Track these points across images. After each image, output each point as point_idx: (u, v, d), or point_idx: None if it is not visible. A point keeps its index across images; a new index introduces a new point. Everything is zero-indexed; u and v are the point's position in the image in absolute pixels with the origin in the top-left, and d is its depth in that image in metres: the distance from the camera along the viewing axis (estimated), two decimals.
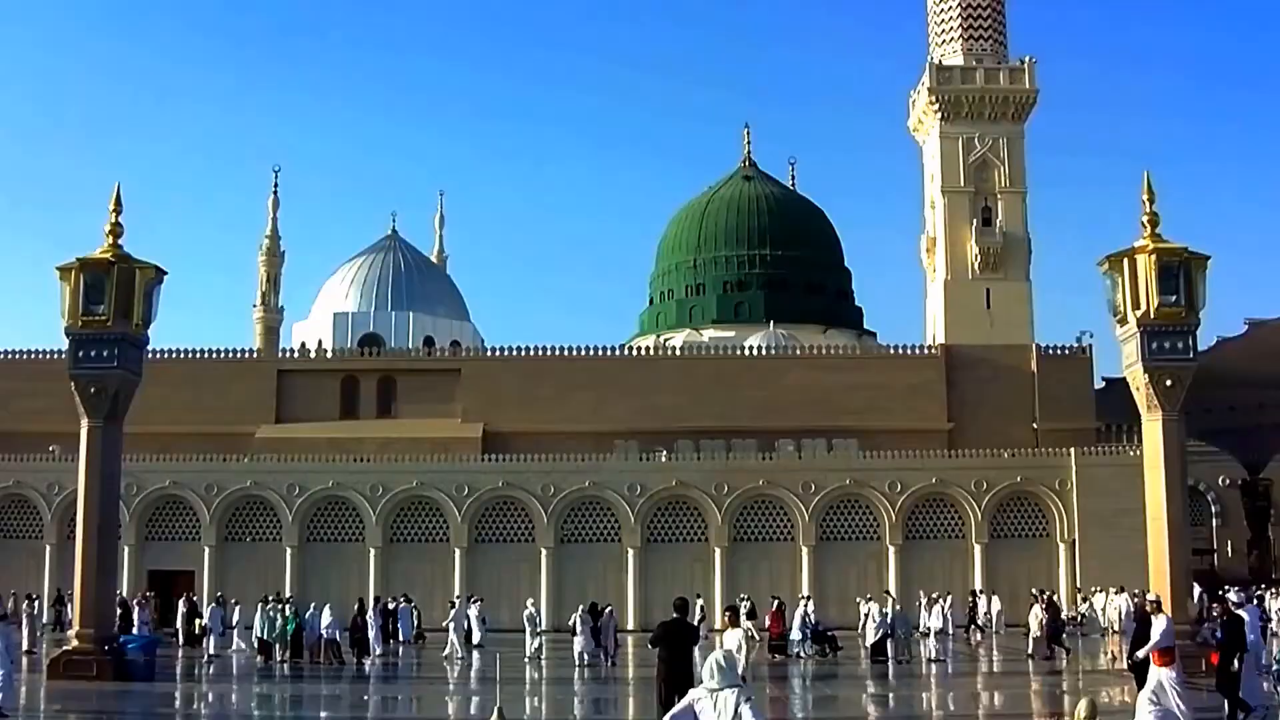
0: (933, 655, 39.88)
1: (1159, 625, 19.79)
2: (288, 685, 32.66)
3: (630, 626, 53.08)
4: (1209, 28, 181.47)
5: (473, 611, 44.52)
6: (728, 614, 19.58)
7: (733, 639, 18.19)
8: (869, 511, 58.96)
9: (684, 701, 12.47)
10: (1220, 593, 37.72)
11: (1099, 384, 67.66)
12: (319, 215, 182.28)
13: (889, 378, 67.52)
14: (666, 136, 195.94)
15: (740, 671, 17.28)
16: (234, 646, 41.95)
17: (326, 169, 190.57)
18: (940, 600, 49.44)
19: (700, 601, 48.00)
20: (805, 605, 43.23)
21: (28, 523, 59.23)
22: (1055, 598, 45.61)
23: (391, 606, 45.55)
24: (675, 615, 18.37)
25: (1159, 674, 18.81)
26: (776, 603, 42.40)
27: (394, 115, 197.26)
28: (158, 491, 58.20)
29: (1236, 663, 20.36)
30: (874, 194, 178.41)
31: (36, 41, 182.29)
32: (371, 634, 40.52)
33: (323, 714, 27.82)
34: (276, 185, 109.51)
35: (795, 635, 41.13)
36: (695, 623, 24.26)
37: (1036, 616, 38.61)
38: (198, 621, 43.30)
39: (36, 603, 47.43)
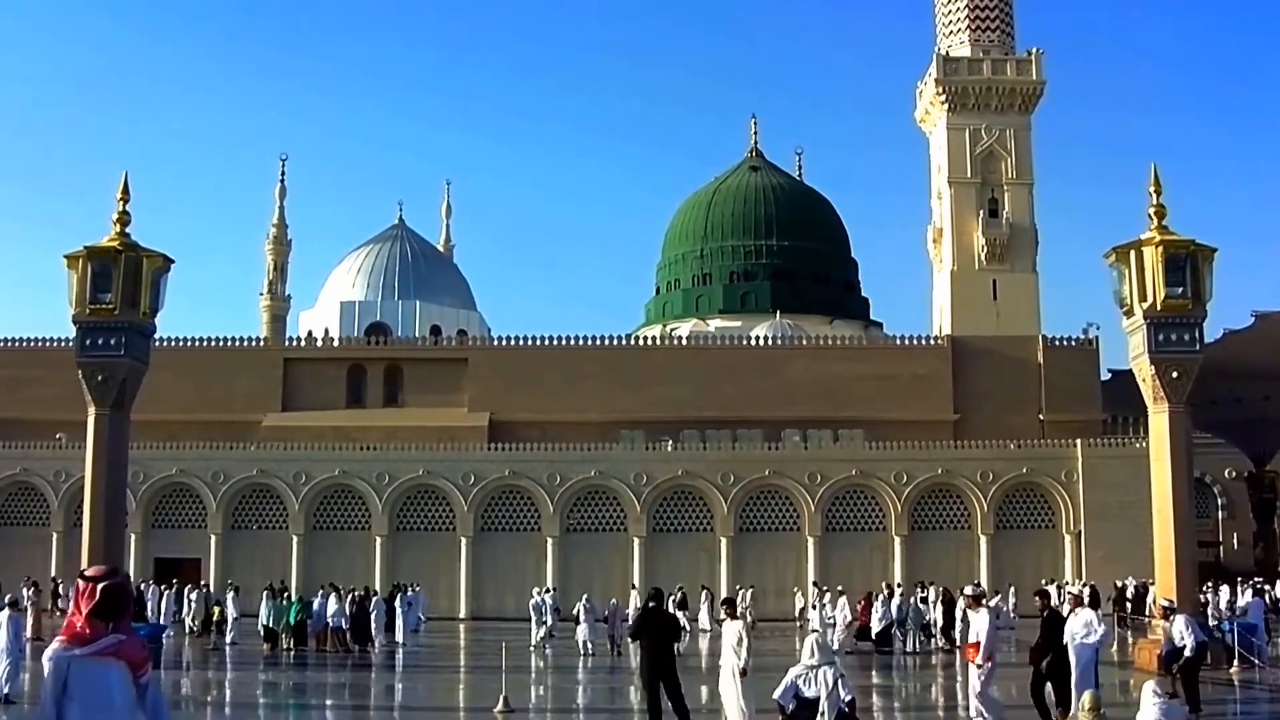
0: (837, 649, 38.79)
1: (980, 621, 18.60)
2: (294, 673, 32.77)
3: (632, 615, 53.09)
4: (1215, 23, 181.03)
5: (548, 600, 43.70)
6: (724, 606, 19.60)
7: (732, 630, 18.24)
8: (875, 502, 58.96)
9: (788, 678, 14.80)
10: (1047, 583, 38.35)
11: (1105, 375, 67.61)
12: (326, 204, 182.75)
13: (895, 368, 67.49)
14: (673, 127, 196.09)
15: (744, 664, 17.45)
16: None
17: (333, 158, 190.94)
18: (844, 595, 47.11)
19: (682, 589, 47.93)
20: (899, 595, 43.66)
21: (34, 510, 59.40)
22: (955, 592, 45.52)
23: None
24: (651, 605, 18.56)
25: (971, 669, 18.07)
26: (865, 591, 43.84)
27: (401, 105, 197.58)
28: (164, 479, 58.34)
29: (1072, 669, 18.83)
30: (881, 185, 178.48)
31: (44, 32, 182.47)
32: (399, 620, 41.39)
33: (329, 701, 27.89)
34: (284, 174, 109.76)
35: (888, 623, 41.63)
36: (674, 612, 24.35)
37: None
38: (218, 609, 43.13)
39: (44, 591, 47.50)
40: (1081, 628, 19.50)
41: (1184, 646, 21.77)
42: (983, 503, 58.13)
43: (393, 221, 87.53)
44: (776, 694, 14.99)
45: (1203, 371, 30.40)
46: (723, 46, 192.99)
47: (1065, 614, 20.23)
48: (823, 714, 14.52)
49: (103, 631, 7.27)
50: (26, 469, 59.11)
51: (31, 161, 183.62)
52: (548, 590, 46.12)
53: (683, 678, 18.53)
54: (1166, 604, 22.92)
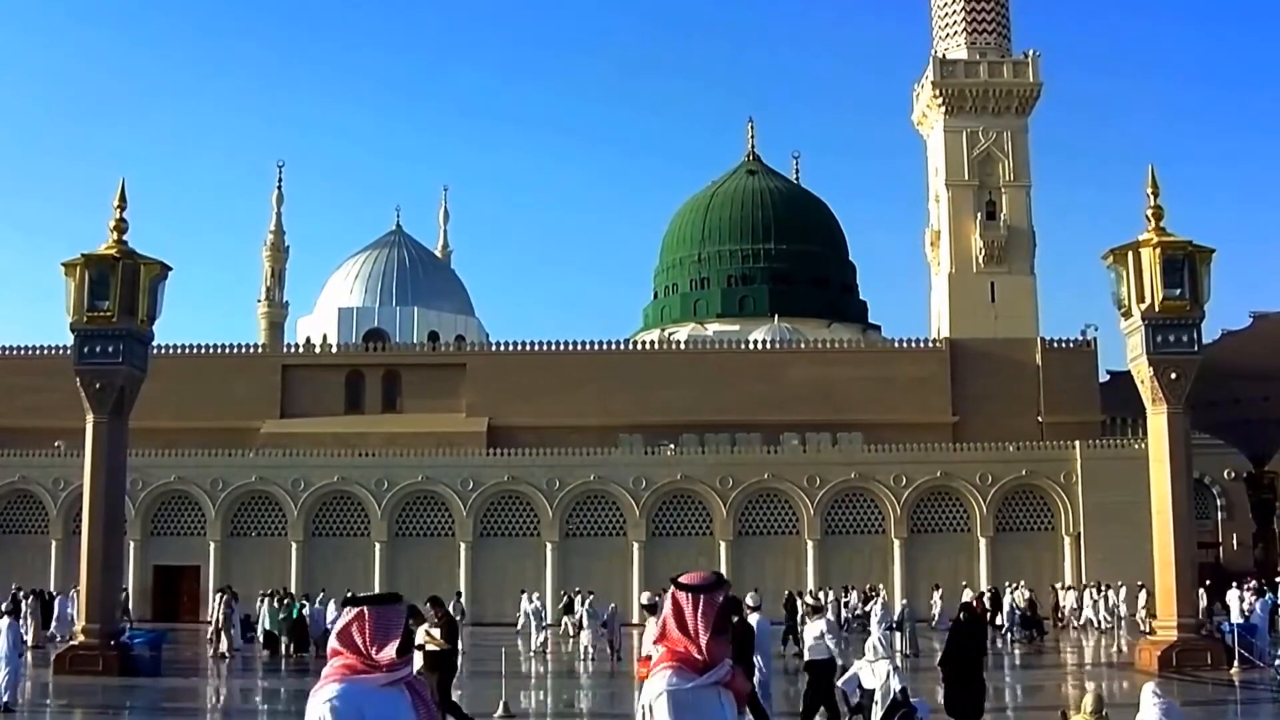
0: None
1: (653, 629, 17.28)
2: (293, 679, 32.72)
3: (635, 620, 53.06)
4: (1212, 24, 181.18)
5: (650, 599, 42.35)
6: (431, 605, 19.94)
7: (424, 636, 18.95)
8: (874, 505, 58.95)
9: (851, 670, 17.49)
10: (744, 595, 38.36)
11: (1104, 377, 67.54)
12: (323, 211, 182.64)
13: (893, 371, 67.46)
14: (670, 131, 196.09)
15: None
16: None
17: (330, 164, 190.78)
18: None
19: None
20: (1013, 593, 45.02)
21: (33, 518, 59.26)
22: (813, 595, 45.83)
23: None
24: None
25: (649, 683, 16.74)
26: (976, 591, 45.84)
27: (398, 111, 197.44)
28: (163, 487, 58.25)
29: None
30: (878, 188, 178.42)
31: (40, 39, 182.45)
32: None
33: None
34: (281, 181, 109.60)
35: (1004, 621, 44.22)
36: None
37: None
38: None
39: (51, 598, 47.32)
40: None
41: (819, 652, 19.04)
42: (982, 505, 58.11)
43: (390, 227, 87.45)
44: (840, 682, 17.95)
45: (1201, 372, 30.47)
46: (720, 51, 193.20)
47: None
48: (877, 702, 17.08)
49: (722, 656, 5.81)
50: (25, 477, 58.97)
51: (29, 169, 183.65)
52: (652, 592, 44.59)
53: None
54: (812, 602, 21.52)
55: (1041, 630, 45.17)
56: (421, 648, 18.36)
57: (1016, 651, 41.28)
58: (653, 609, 18.23)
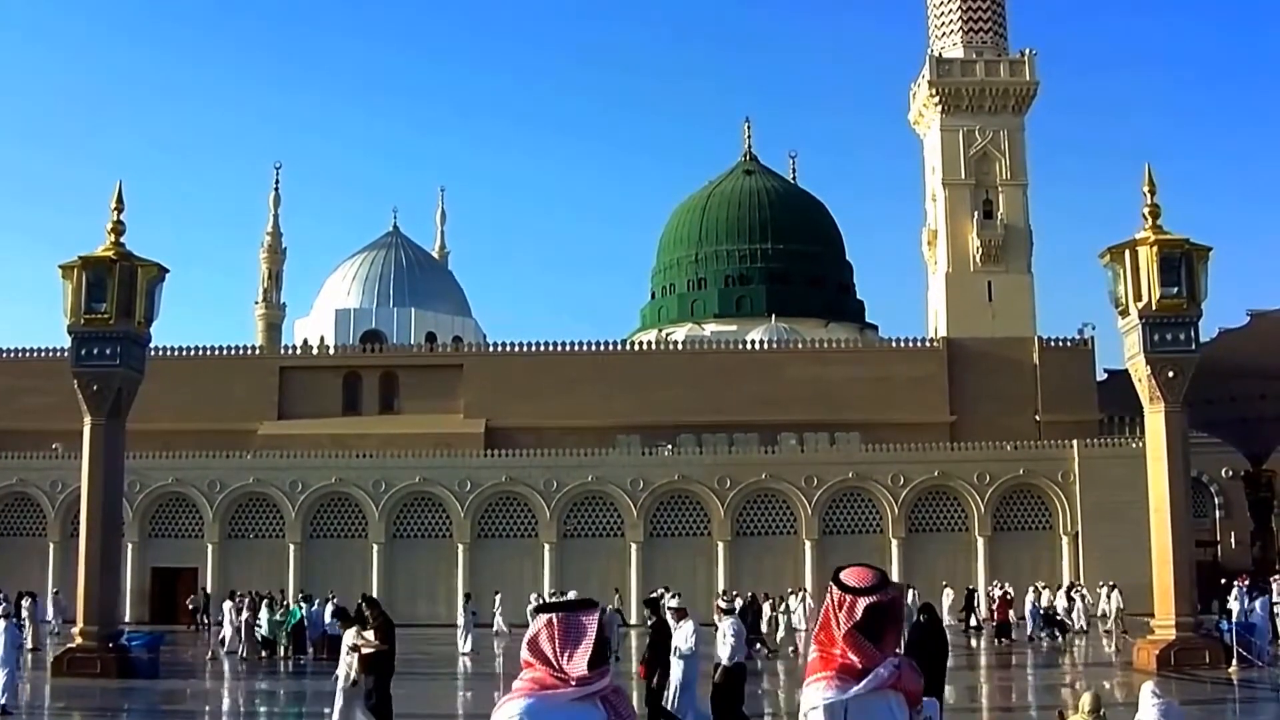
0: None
1: (532, 630, 17.39)
2: (292, 682, 32.69)
3: (634, 621, 53.10)
4: (1209, 22, 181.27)
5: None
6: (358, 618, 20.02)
7: (349, 637, 19.05)
8: (871, 505, 58.95)
9: None
10: (656, 595, 38.35)
11: (1101, 376, 67.58)
12: (320, 212, 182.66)
13: (891, 371, 67.49)
14: (667, 132, 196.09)
15: (353, 674, 18.39)
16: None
17: (327, 166, 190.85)
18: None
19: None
20: (1034, 593, 46.46)
21: (31, 521, 59.23)
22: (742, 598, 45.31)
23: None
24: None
25: None
26: (1001, 589, 46.87)
27: (394, 112, 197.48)
28: (161, 489, 58.22)
29: (667, 679, 18.30)
30: (875, 187, 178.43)
31: (37, 40, 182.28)
32: (461, 623, 40.79)
33: (326, 710, 27.81)
34: (278, 182, 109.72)
35: (1027, 620, 44.84)
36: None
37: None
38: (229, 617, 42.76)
39: (39, 601, 47.29)
40: (682, 641, 18.34)
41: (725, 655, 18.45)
42: (980, 504, 58.11)
43: (387, 229, 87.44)
44: None
45: (1199, 371, 30.46)
46: (716, 50, 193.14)
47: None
48: None
49: (878, 658, 5.46)
50: (23, 479, 58.95)
51: (26, 171, 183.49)
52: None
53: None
54: (724, 604, 21.33)
55: (1065, 629, 45.12)
56: (356, 649, 18.35)
57: (992, 650, 41.21)
58: (545, 609, 18.21)
